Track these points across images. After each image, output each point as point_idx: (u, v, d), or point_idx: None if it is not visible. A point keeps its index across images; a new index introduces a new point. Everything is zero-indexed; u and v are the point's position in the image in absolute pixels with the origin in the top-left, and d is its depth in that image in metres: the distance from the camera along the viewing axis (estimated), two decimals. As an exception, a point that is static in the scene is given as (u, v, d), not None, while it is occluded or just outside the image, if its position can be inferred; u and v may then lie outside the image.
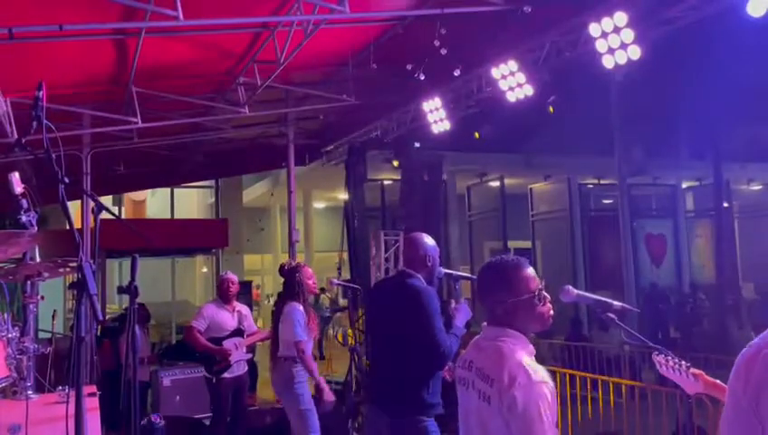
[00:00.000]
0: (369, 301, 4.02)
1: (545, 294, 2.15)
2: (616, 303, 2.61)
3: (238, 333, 5.81)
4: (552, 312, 2.17)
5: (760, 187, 18.95)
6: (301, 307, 4.81)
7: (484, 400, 2.04)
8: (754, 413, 1.36)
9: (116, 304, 15.20)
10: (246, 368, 5.95)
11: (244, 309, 6.04)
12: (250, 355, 6.09)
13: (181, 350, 8.74)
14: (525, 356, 2.04)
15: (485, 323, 2.18)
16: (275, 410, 6.73)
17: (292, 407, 4.77)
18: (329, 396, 4.78)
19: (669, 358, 2.57)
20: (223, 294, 5.90)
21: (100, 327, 8.31)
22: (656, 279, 15.24)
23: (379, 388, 3.51)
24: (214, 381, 5.65)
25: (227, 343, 5.71)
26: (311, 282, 4.99)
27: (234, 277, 6.02)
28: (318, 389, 4.81)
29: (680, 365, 2.52)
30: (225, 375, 5.66)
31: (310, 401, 4.78)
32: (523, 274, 2.14)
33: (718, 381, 2.49)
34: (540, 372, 1.99)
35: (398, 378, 3.35)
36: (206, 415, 6.36)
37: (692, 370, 2.51)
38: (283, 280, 5.07)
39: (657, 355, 2.60)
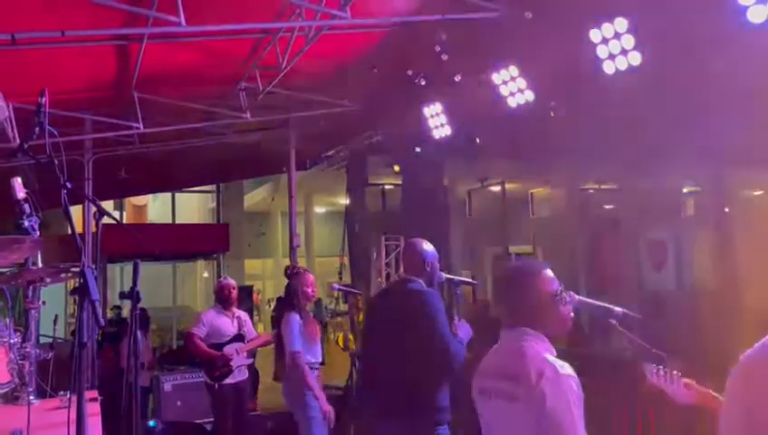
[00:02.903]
0: (370, 311, 3.99)
1: (565, 295, 2.14)
2: (617, 308, 2.61)
3: (238, 338, 5.80)
4: (572, 314, 2.17)
5: (761, 192, 18.93)
6: (297, 316, 4.78)
7: (511, 400, 2.01)
8: (750, 417, 1.36)
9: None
10: (247, 374, 5.94)
11: (243, 314, 6.03)
12: (251, 360, 6.09)
13: (182, 355, 8.74)
14: (549, 353, 2.03)
15: (503, 329, 2.17)
16: (277, 416, 6.73)
17: (301, 415, 4.74)
18: (324, 406, 4.67)
19: (661, 367, 2.55)
20: (223, 300, 5.90)
21: (101, 332, 8.31)
22: (656, 285, 15.21)
23: (386, 397, 3.45)
24: (216, 387, 5.65)
25: (228, 349, 5.70)
26: (308, 290, 4.95)
27: (233, 282, 6.03)
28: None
29: (672, 374, 2.51)
30: (227, 381, 5.66)
31: (317, 408, 4.74)
32: (542, 275, 2.14)
33: (711, 392, 2.47)
34: (566, 367, 1.98)
35: (405, 385, 3.31)
36: (208, 420, 6.36)
37: (684, 379, 2.49)
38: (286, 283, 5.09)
39: (649, 365, 2.58)
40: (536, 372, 1.95)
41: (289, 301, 4.90)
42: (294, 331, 4.70)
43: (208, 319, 5.80)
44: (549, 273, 2.15)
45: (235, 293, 5.94)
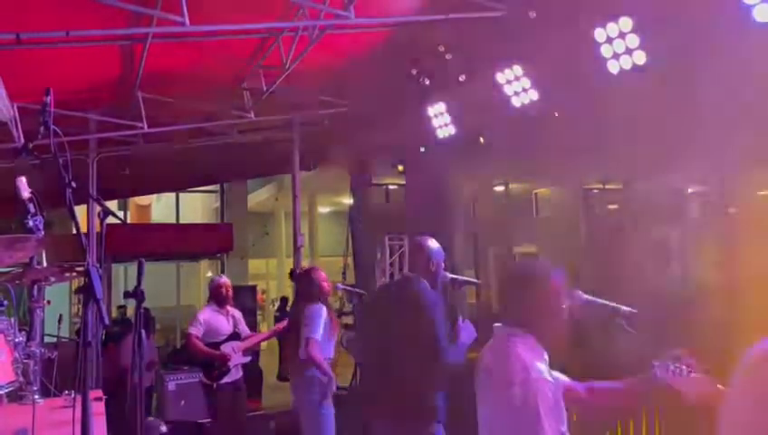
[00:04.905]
0: (370, 308, 3.98)
1: (567, 312, 2.13)
2: (624, 308, 2.59)
3: (234, 336, 5.80)
4: (564, 332, 2.15)
5: (766, 192, 18.85)
6: (324, 308, 4.78)
7: (488, 399, 2.07)
8: (756, 412, 1.36)
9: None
10: (242, 372, 5.92)
11: (237, 313, 6.02)
12: (248, 358, 6.07)
13: (185, 354, 8.75)
14: (530, 356, 2.02)
15: (498, 324, 2.17)
16: (281, 415, 6.73)
17: (308, 411, 4.72)
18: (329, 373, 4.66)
19: (669, 362, 2.53)
20: (220, 299, 5.87)
21: (104, 332, 8.32)
22: (661, 285, 15.16)
23: (381, 396, 3.46)
24: (214, 386, 5.65)
25: (225, 348, 5.71)
26: (325, 284, 4.98)
27: (228, 281, 6.02)
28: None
29: (681, 370, 2.49)
30: (224, 380, 5.66)
31: (327, 406, 4.72)
32: (553, 283, 2.12)
33: (720, 387, 2.46)
34: (543, 371, 1.98)
35: (399, 384, 3.32)
36: (210, 420, 6.36)
37: (693, 374, 2.48)
38: (296, 285, 5.05)
39: (656, 361, 2.56)
40: (509, 372, 1.97)
41: (311, 295, 4.85)
42: (320, 320, 4.66)
43: (205, 318, 5.79)
44: (561, 283, 2.13)
45: (230, 292, 5.94)
